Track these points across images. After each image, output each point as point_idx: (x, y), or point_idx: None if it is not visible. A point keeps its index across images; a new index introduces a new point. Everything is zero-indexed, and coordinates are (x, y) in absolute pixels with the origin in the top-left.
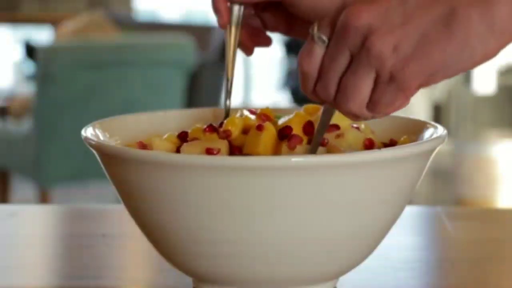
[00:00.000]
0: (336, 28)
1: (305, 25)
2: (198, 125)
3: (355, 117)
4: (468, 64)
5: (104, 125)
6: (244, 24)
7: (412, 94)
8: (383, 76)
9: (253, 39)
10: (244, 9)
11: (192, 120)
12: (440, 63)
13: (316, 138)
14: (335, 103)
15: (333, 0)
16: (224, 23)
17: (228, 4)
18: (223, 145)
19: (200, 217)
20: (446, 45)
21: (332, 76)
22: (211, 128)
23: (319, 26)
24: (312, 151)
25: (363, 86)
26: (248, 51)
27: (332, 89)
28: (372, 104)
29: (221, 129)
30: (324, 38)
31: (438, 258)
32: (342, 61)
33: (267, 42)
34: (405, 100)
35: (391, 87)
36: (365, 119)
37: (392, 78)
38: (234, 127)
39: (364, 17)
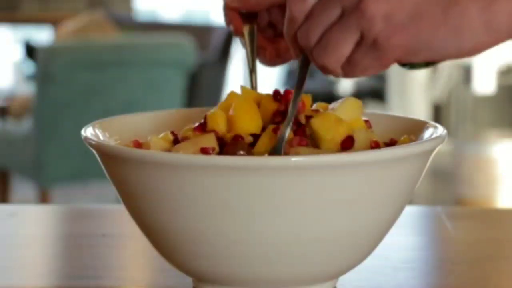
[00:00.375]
0: None
1: None
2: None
3: (327, 72)
4: (453, 53)
5: (104, 125)
6: (261, 32)
7: (388, 66)
8: (366, 40)
9: (272, 45)
10: (256, 18)
11: (192, 119)
12: (426, 43)
13: (293, 99)
14: (312, 54)
15: None
16: (238, 31)
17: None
18: (211, 140)
19: (200, 217)
20: (437, 28)
21: (318, 26)
22: (200, 128)
23: None
24: (288, 120)
25: (344, 45)
26: (267, 58)
27: (314, 38)
28: (348, 65)
29: (207, 129)
30: None
31: (438, 258)
32: (332, 14)
33: (287, 52)
34: (380, 69)
35: (371, 52)
36: (336, 76)
37: (374, 44)
38: (218, 124)
39: None
